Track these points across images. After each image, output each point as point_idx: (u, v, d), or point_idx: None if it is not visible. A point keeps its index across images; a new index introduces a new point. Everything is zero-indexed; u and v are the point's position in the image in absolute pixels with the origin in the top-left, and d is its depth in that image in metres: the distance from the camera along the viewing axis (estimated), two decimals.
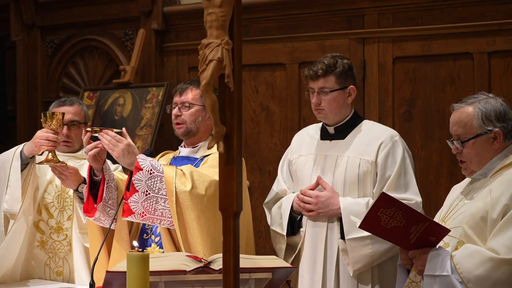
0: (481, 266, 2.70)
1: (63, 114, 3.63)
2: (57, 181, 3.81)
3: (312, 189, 3.56)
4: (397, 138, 3.58)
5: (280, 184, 3.77)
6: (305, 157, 3.69)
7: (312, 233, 3.58)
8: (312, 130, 3.77)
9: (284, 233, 3.61)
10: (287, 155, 3.81)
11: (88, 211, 3.40)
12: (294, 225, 3.65)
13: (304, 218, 3.61)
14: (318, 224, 3.57)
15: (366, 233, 3.37)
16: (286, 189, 3.73)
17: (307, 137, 3.75)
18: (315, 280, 3.53)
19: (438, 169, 4.51)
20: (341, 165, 3.56)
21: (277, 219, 3.67)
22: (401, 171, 3.53)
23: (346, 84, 3.57)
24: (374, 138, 3.57)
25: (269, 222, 3.72)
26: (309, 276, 3.56)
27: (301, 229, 3.61)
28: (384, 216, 2.79)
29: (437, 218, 3.03)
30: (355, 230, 3.41)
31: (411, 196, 3.49)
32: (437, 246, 2.84)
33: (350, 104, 3.63)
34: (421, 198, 3.52)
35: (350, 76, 3.59)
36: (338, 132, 3.63)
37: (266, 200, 3.76)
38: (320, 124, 3.73)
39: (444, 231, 2.83)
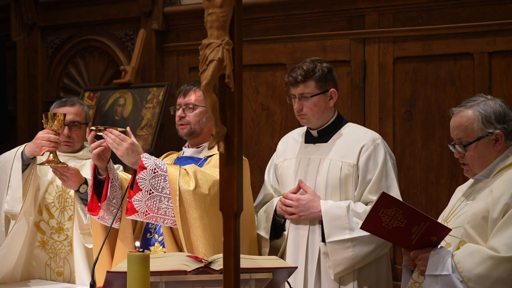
0: (482, 265, 2.71)
1: (65, 115, 3.63)
2: (58, 181, 3.81)
3: (294, 192, 3.57)
4: (379, 141, 3.59)
5: (266, 188, 3.80)
6: (289, 161, 3.71)
7: (294, 236, 3.59)
8: (297, 134, 3.80)
9: (267, 237, 3.63)
10: (273, 159, 3.85)
11: (92, 209, 3.41)
12: (278, 228, 3.66)
13: (287, 221, 3.62)
14: (300, 227, 3.58)
15: (347, 236, 3.43)
16: (272, 193, 3.77)
17: (292, 141, 3.78)
18: (297, 282, 3.53)
19: (439, 169, 4.51)
20: (323, 168, 3.57)
21: (262, 222, 3.69)
22: (383, 174, 3.53)
23: (327, 88, 3.58)
24: (356, 141, 3.58)
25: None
26: (291, 278, 3.56)
27: (284, 232, 3.63)
28: (385, 217, 2.79)
29: (440, 219, 3.04)
30: (336, 233, 3.44)
31: None
32: (439, 246, 2.85)
33: (333, 107, 3.65)
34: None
35: (330, 80, 3.60)
36: (321, 135, 3.65)
37: (254, 204, 3.76)
38: (304, 128, 3.75)
39: (445, 230, 2.83)
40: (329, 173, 3.54)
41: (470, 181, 3.09)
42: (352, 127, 3.69)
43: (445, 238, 2.90)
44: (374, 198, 3.46)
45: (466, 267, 2.73)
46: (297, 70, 3.59)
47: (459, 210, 2.97)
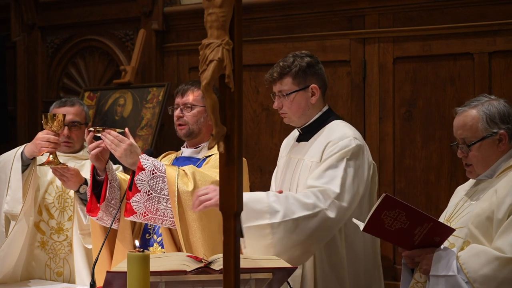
0: (487, 266, 2.70)
1: (64, 115, 3.63)
2: (58, 182, 3.81)
3: None
4: (348, 139, 3.29)
5: (271, 186, 3.73)
6: (282, 159, 3.63)
7: None
8: (296, 131, 3.66)
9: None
10: None
11: (91, 210, 3.41)
12: None
13: None
14: None
15: (266, 221, 3.06)
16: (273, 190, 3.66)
17: (291, 139, 3.67)
18: None
19: (439, 169, 4.51)
20: (297, 168, 3.43)
21: None
22: (332, 164, 3.22)
23: (307, 84, 3.38)
24: (327, 139, 3.35)
25: None
26: None
27: None
28: (388, 218, 2.78)
29: (442, 219, 3.03)
30: (253, 217, 3.06)
31: (326, 186, 3.16)
32: (442, 247, 2.84)
33: (318, 104, 3.43)
34: (338, 192, 3.16)
35: (310, 75, 3.39)
36: (304, 133, 3.48)
37: None
38: None
39: (449, 231, 2.83)
40: (300, 174, 3.38)
41: (472, 180, 3.08)
42: (334, 125, 3.42)
43: (448, 239, 2.90)
44: (311, 182, 3.21)
45: (472, 268, 2.72)
46: (274, 67, 3.42)
47: (462, 210, 2.96)
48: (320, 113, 3.45)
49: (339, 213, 3.19)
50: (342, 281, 3.37)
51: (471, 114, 2.95)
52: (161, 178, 3.25)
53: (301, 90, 3.39)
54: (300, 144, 3.50)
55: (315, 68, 3.42)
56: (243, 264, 2.21)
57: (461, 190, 3.13)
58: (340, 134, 3.34)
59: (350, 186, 3.23)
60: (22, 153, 3.68)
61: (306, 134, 3.47)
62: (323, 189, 3.19)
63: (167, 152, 3.81)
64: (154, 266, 2.61)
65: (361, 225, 2.90)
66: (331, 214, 3.17)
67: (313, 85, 3.40)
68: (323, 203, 3.17)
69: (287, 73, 3.38)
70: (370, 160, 3.37)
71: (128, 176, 3.45)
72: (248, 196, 3.08)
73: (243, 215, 2.82)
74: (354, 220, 3.17)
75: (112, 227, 3.36)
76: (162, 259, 2.78)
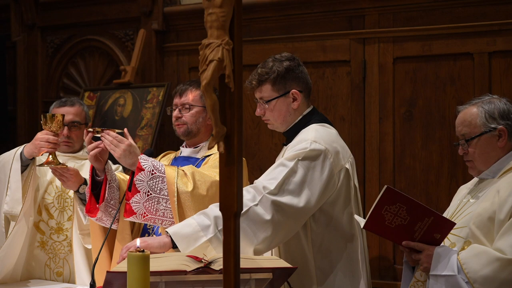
0: (488, 266, 2.71)
1: (63, 116, 3.63)
2: (57, 182, 3.81)
3: None
4: (304, 142, 3.17)
5: None
6: None
7: None
8: None
9: None
10: None
11: (90, 211, 3.41)
12: None
13: None
14: None
15: (202, 240, 2.98)
16: None
17: None
18: None
19: (439, 169, 4.51)
20: None
21: None
22: (282, 162, 3.13)
23: (287, 89, 3.27)
24: (292, 144, 3.26)
25: None
26: None
27: None
28: (388, 214, 2.78)
29: None
30: (192, 242, 3.00)
31: (260, 181, 3.11)
32: (443, 245, 2.85)
33: (300, 108, 3.32)
34: (272, 188, 3.06)
35: (290, 80, 3.28)
36: (287, 139, 3.37)
37: None
38: None
39: (450, 225, 2.83)
40: None
41: (474, 180, 3.09)
42: (305, 130, 3.30)
43: (449, 238, 2.90)
44: (260, 182, 3.12)
45: (472, 268, 2.73)
46: (253, 73, 3.31)
47: (464, 210, 2.97)
48: (300, 117, 3.34)
49: (275, 208, 3.04)
50: (309, 278, 3.26)
51: (471, 110, 2.99)
52: (160, 179, 3.25)
53: (281, 96, 3.29)
54: (284, 149, 3.40)
55: (295, 72, 3.31)
56: (243, 264, 2.21)
57: (464, 189, 3.14)
58: (301, 138, 3.24)
59: (296, 185, 3.10)
60: (21, 153, 3.68)
61: (288, 140, 3.37)
62: (254, 185, 3.11)
63: (166, 152, 3.81)
64: (154, 266, 2.61)
65: (362, 222, 2.91)
66: (262, 209, 3.04)
67: (293, 90, 3.29)
68: (251, 201, 3.05)
69: (265, 80, 3.28)
70: (341, 164, 3.24)
71: (128, 176, 3.45)
72: (176, 227, 3.04)
73: (181, 246, 2.94)
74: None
75: (111, 227, 3.36)
76: (162, 259, 2.78)
